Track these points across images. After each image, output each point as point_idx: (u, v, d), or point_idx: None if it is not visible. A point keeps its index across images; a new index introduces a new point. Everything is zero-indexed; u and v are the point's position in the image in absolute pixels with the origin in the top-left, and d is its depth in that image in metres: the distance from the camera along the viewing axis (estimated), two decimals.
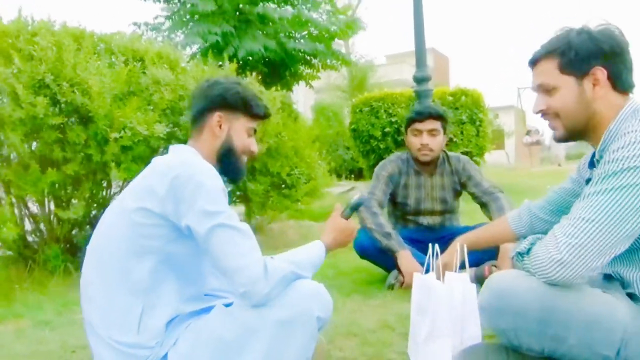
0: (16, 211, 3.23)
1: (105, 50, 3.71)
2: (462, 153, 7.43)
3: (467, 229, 2.96)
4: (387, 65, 25.48)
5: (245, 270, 1.41)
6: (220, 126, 1.65)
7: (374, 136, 7.65)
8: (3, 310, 2.67)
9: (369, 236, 2.74)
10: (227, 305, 1.49)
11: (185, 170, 1.47)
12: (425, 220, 2.98)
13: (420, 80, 6.09)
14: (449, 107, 7.32)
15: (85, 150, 3.20)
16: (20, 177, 3.05)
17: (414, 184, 2.96)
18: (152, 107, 3.47)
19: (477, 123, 7.45)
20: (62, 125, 3.12)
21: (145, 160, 3.52)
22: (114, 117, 3.19)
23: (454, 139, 7.29)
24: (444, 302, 1.61)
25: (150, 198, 1.46)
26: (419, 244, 2.92)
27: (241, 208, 4.92)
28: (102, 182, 3.47)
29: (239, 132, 1.66)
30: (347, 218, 1.67)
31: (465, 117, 7.37)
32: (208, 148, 1.65)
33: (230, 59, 4.91)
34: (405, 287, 2.61)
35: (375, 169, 2.99)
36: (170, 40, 8.16)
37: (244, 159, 1.69)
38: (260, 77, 4.99)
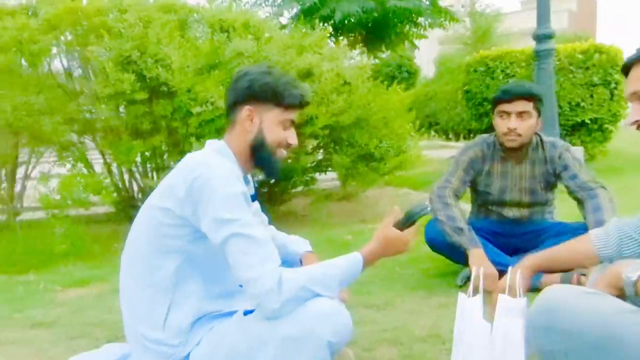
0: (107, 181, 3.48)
1: (194, 22, 3.77)
2: (591, 120, 6.61)
3: (562, 226, 2.60)
4: (520, 12, 23.19)
5: (257, 283, 1.35)
6: (251, 120, 1.56)
7: (489, 99, 7.03)
8: (93, 272, 2.94)
9: (439, 228, 2.51)
10: (249, 312, 1.44)
11: (204, 173, 1.42)
12: (511, 212, 2.66)
13: (541, 38, 5.40)
14: (578, 67, 6.45)
15: (171, 123, 3.32)
16: (114, 147, 3.27)
17: (498, 171, 2.63)
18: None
19: (612, 85, 6.48)
20: (149, 99, 3.26)
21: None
22: (197, 91, 3.25)
23: (581, 104, 6.44)
24: (479, 335, 1.40)
25: (171, 198, 1.45)
26: (502, 237, 2.63)
27: (333, 175, 4.86)
28: (186, 154, 3.60)
29: (271, 125, 1.56)
30: (401, 228, 1.48)
31: (597, 79, 6.45)
32: (240, 143, 1.58)
33: (326, 22, 4.73)
34: (474, 288, 2.36)
35: (456, 153, 2.71)
36: (264, 7, 8.08)
37: (281, 152, 1.59)
38: (360, 39, 4.76)
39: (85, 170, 3.60)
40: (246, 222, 1.39)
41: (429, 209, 1.50)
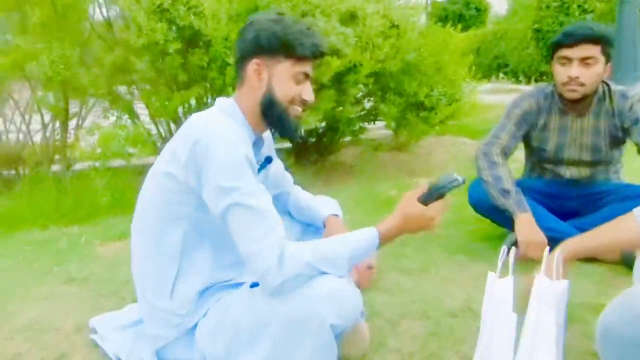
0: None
1: None
2: None
3: (630, 189, 2.28)
4: None
5: (257, 258, 1.26)
6: (259, 75, 1.41)
7: None
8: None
9: (483, 188, 2.29)
10: (256, 284, 1.36)
11: (205, 136, 1.32)
12: (568, 171, 2.37)
13: None
14: None
15: (207, 74, 3.22)
16: (152, 99, 3.22)
17: (556, 125, 2.33)
18: None
19: None
20: (184, 50, 3.15)
21: None
22: (233, 40, 3.10)
23: None
24: (506, 325, 1.23)
25: (174, 163, 1.36)
26: (557, 199, 2.37)
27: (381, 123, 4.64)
28: None
29: (282, 79, 1.40)
30: (425, 203, 1.33)
31: None
32: (250, 101, 1.44)
33: None
34: (520, 257, 2.15)
35: (508, 105, 2.42)
36: None
37: (295, 109, 1.44)
38: None
39: (129, 122, 3.60)
40: (248, 190, 1.28)
41: (459, 180, 1.31)
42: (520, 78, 10.93)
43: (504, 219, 2.27)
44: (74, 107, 4.10)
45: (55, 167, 4.09)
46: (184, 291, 1.43)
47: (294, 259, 1.24)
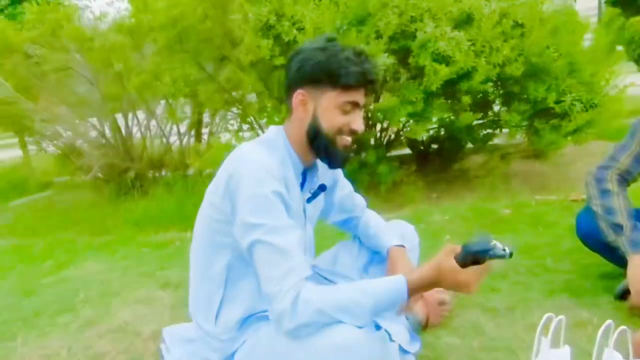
0: None
1: None
2: None
3: None
4: None
5: (274, 300, 1.26)
6: (304, 105, 1.39)
7: None
8: None
9: (593, 220, 1.94)
10: None
11: (238, 169, 1.35)
12: None
13: None
14: None
15: None
16: (260, 114, 3.36)
17: None
18: (379, 35, 3.18)
19: None
20: None
21: None
22: None
23: None
24: None
25: (217, 193, 1.42)
26: None
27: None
28: None
29: (328, 109, 1.36)
30: (463, 264, 1.17)
31: None
32: (297, 131, 1.43)
33: None
34: (632, 307, 1.79)
35: (634, 122, 2.02)
36: None
37: (344, 140, 1.39)
38: None
39: (247, 134, 3.81)
40: (272, 227, 1.27)
41: (504, 252, 1.13)
42: None
43: (616, 258, 1.91)
44: (206, 118, 4.48)
45: (190, 171, 4.50)
46: (226, 317, 1.46)
47: (307, 306, 1.19)
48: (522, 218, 2.98)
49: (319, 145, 1.36)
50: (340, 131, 1.36)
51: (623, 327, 1.17)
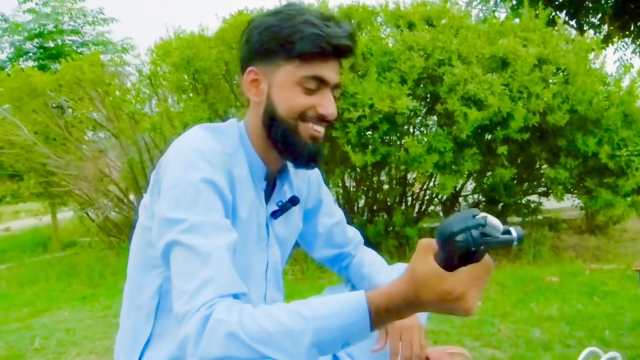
0: None
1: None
2: None
3: None
4: None
5: (180, 321, 0.86)
6: (257, 87, 1.06)
7: None
8: None
9: None
10: None
11: (168, 154, 1.01)
12: None
13: None
14: None
15: (329, 132, 2.98)
16: None
17: None
18: (403, 80, 2.92)
19: None
20: None
21: (390, 142, 3.04)
22: (351, 93, 2.85)
23: None
24: None
25: (148, 192, 1.08)
26: None
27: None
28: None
29: (284, 87, 1.00)
30: (448, 266, 0.72)
31: None
32: (254, 120, 1.08)
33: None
34: None
35: None
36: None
37: (309, 128, 1.00)
38: (611, 23, 3.64)
39: None
40: (194, 224, 0.90)
41: (501, 232, 0.69)
42: None
43: None
44: None
45: None
46: (152, 358, 1.07)
47: (218, 329, 0.79)
48: (573, 286, 2.47)
49: (276, 135, 1.00)
50: (303, 116, 0.98)
51: None
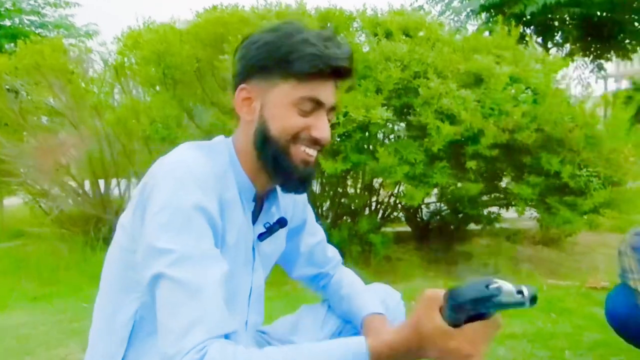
0: None
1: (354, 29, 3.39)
2: None
3: None
4: None
5: None
6: (249, 105, 1.01)
7: None
8: None
9: (629, 299, 1.52)
10: None
11: (155, 173, 0.95)
12: None
13: None
14: None
15: None
16: None
17: None
18: (378, 89, 2.92)
19: None
20: None
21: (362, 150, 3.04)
22: None
23: None
24: None
25: (128, 212, 1.01)
26: None
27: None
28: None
29: (278, 108, 0.97)
30: (455, 323, 0.72)
31: None
32: (244, 139, 1.04)
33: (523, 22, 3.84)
34: None
35: None
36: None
37: (301, 151, 0.97)
38: (574, 42, 3.75)
39: None
40: (183, 256, 0.86)
41: (516, 295, 0.68)
42: None
43: None
44: None
45: None
46: None
47: None
48: (540, 305, 2.54)
49: (267, 157, 0.97)
50: (296, 138, 0.96)
51: None
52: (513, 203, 3.49)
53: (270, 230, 1.11)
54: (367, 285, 1.33)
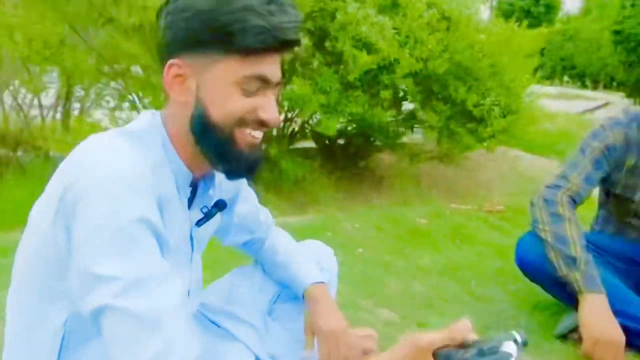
0: None
1: None
2: None
3: None
4: None
5: None
6: (182, 84, 0.85)
7: None
8: None
9: (538, 248, 1.67)
10: None
11: (79, 179, 0.78)
12: None
13: None
14: None
15: None
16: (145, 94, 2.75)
17: None
18: None
19: None
20: None
21: None
22: None
23: None
24: None
25: (44, 216, 0.83)
26: None
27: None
28: None
29: (219, 88, 0.83)
30: None
31: None
32: (179, 122, 0.88)
33: None
34: (584, 355, 1.53)
35: (585, 136, 1.77)
36: None
37: (247, 135, 0.86)
38: None
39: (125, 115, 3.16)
40: (132, 282, 0.75)
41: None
42: (586, 83, 9.98)
43: (564, 294, 1.66)
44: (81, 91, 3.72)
45: (52, 154, 3.71)
46: None
47: None
48: (440, 229, 2.74)
49: (208, 145, 0.86)
50: (241, 122, 0.84)
51: None
52: (423, 131, 3.62)
53: (208, 215, 1.02)
54: (299, 245, 1.31)
